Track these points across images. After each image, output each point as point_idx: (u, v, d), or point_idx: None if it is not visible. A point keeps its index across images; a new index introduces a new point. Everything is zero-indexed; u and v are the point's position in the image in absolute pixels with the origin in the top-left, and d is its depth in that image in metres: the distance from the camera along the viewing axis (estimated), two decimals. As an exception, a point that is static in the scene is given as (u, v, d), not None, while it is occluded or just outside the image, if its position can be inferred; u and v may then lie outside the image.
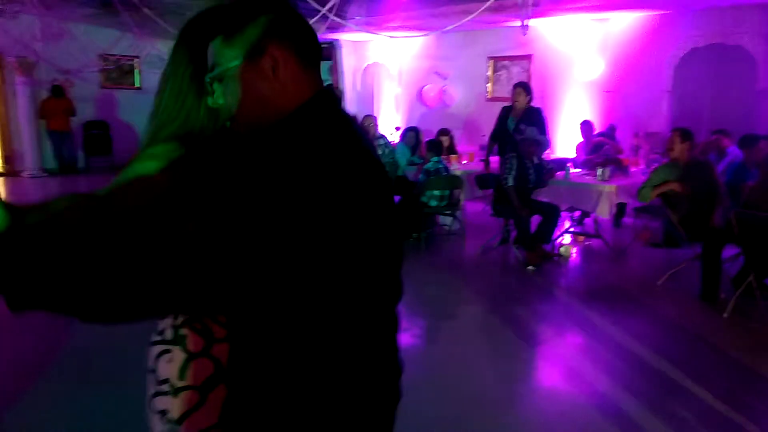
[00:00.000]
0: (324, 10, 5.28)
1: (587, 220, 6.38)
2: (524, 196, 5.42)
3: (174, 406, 1.09)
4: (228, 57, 0.94)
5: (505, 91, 7.99)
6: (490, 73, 9.61)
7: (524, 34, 5.65)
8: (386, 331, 0.98)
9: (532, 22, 8.52)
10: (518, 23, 8.30)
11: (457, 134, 9.64)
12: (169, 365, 1.10)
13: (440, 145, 6.29)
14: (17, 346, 3.59)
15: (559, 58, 8.77)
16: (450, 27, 5.47)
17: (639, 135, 7.17)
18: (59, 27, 9.06)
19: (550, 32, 8.79)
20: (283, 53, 0.93)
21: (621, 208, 6.85)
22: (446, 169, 6.04)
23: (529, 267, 5.34)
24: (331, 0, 5.88)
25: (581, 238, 6.39)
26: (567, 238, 6.32)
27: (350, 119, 0.97)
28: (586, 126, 7.57)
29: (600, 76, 8.37)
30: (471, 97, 9.81)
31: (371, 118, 6.72)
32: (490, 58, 9.52)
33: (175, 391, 1.09)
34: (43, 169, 11.01)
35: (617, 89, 8.18)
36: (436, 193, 5.85)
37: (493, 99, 9.26)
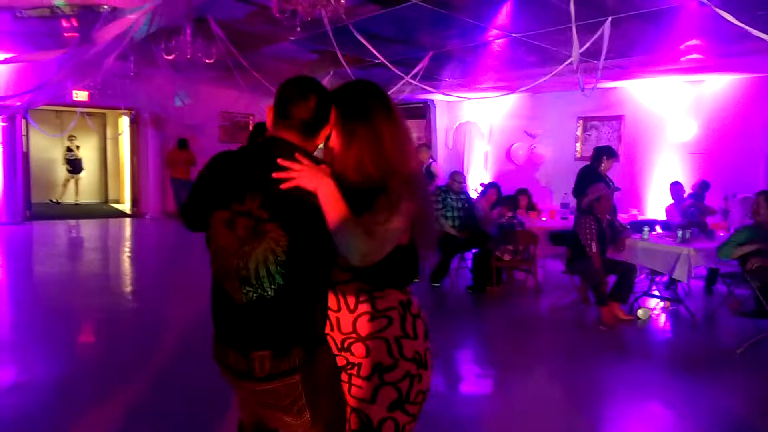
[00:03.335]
0: (407, 78, 5.74)
1: (677, 285, 6.15)
2: (600, 254, 5.41)
3: None
4: None
5: (595, 150, 7.99)
6: (579, 132, 9.65)
7: (586, 96, 5.80)
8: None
9: (623, 84, 8.57)
10: (610, 84, 8.44)
11: (544, 192, 9.68)
12: None
13: (515, 201, 6.44)
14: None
15: (651, 119, 8.67)
16: (523, 89, 5.73)
17: (728, 199, 6.88)
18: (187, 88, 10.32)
19: (642, 93, 8.75)
20: None
21: (712, 274, 6.56)
22: (521, 224, 6.16)
23: (602, 327, 5.27)
24: (415, 68, 6.40)
25: (668, 303, 6.18)
26: (653, 302, 6.13)
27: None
28: (675, 188, 7.38)
29: (692, 138, 8.17)
30: (559, 156, 9.86)
31: (459, 175, 6.75)
32: (580, 118, 9.59)
33: None
34: (164, 212, 12.30)
35: (709, 152, 7.93)
36: (509, 247, 5.98)
37: (582, 158, 9.26)
